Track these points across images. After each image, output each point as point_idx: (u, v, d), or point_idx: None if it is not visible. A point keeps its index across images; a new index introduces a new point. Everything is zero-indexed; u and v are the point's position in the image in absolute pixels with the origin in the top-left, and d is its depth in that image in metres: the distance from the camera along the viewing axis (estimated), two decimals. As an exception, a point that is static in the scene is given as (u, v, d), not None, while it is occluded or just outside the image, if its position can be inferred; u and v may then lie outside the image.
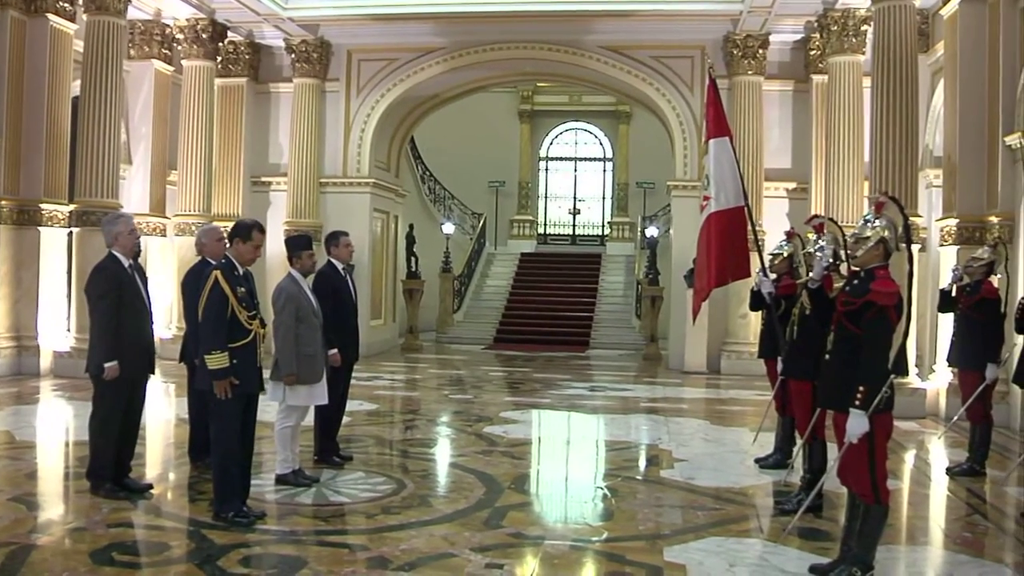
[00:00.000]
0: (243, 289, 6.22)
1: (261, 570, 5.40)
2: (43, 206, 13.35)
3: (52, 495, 7.18)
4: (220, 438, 6.23)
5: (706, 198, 8.72)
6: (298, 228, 16.67)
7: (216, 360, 6.08)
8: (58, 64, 13.53)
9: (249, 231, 6.36)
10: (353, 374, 8.54)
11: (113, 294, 6.73)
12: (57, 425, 10.27)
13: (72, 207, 13.61)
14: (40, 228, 13.33)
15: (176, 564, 5.39)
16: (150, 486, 6.99)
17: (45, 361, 13.36)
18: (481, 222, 26.72)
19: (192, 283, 7.15)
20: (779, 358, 7.80)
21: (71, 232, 13.64)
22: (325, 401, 7.46)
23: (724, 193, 8.54)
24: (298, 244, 7.52)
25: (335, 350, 7.78)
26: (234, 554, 5.54)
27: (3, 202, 13.05)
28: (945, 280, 10.18)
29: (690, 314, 12.31)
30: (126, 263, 6.87)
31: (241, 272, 6.32)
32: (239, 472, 6.27)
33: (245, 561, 5.46)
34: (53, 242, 13.55)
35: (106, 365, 6.65)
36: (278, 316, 7.20)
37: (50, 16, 13.34)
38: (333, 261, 8.18)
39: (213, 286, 6.13)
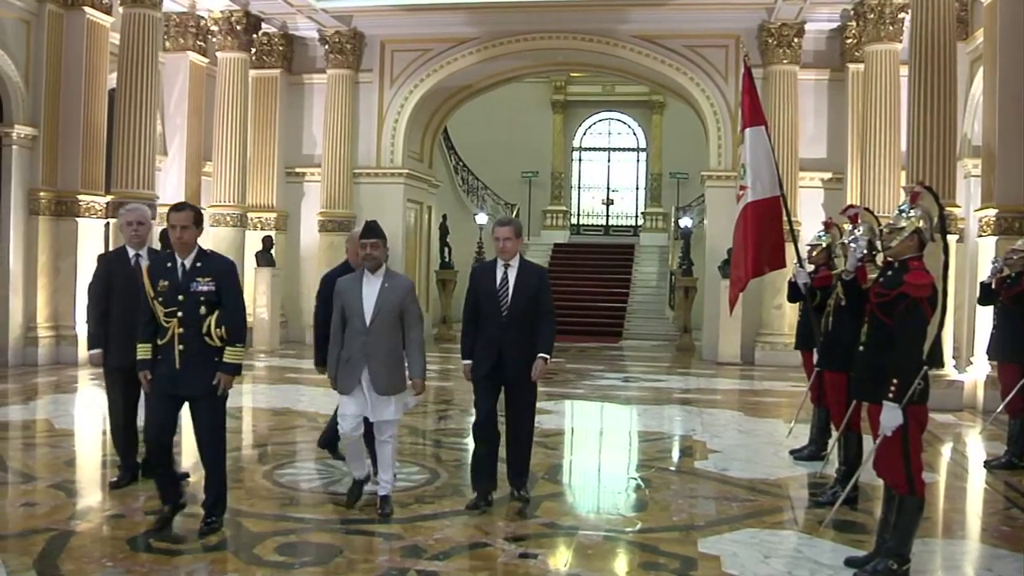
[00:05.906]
0: (166, 282, 5.64)
1: (296, 558, 5.43)
2: (80, 197, 13.53)
3: (90, 482, 7.27)
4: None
5: (743, 188, 8.60)
6: (332, 219, 16.80)
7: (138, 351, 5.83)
8: (95, 57, 13.70)
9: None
10: None
11: (102, 282, 6.78)
12: (95, 413, 10.38)
13: (109, 198, 13.76)
14: (77, 219, 13.51)
15: (212, 552, 5.44)
16: (187, 474, 7.05)
17: (83, 350, 13.48)
18: (514, 212, 26.67)
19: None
20: (815, 349, 7.75)
21: (108, 223, 13.79)
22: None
23: (760, 182, 8.42)
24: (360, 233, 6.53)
25: None
26: (270, 542, 5.59)
27: (41, 193, 13.26)
28: (984, 272, 10.04)
29: (726, 305, 12.20)
30: (131, 253, 6.85)
31: (185, 264, 5.66)
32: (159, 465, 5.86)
33: (280, 549, 5.51)
34: (90, 233, 13.71)
35: (89, 353, 6.75)
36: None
37: (87, 9, 13.50)
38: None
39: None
